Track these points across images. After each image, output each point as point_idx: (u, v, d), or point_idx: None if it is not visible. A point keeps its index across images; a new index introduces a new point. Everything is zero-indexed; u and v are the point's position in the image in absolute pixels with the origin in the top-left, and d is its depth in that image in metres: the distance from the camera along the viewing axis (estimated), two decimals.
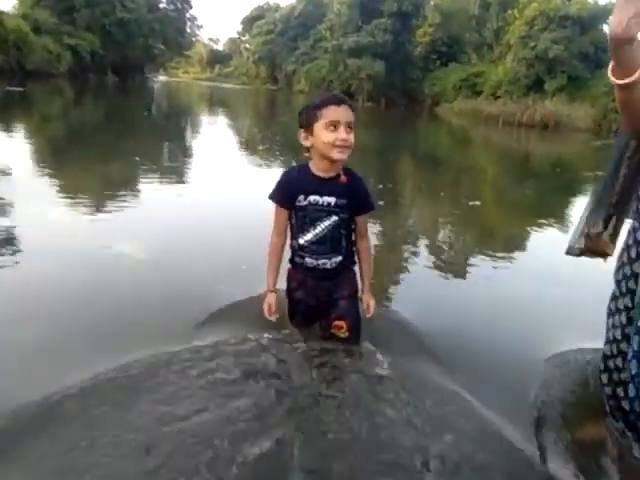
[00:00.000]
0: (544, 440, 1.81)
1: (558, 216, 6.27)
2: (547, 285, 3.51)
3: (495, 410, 1.90)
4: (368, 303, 2.09)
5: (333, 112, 1.82)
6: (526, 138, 20.44)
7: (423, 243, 4.58)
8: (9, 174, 5.67)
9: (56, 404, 1.69)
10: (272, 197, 2.02)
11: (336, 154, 1.83)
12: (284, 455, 1.48)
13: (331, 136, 1.80)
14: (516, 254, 4.49)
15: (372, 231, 4.33)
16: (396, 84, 40.03)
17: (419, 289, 3.37)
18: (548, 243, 4.88)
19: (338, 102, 1.84)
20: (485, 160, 12.83)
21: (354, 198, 1.95)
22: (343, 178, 1.92)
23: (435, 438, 1.61)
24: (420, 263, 3.94)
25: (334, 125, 1.81)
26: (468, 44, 39.08)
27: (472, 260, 4.13)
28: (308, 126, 1.86)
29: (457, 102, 32.40)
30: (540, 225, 5.57)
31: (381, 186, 6.82)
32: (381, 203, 5.55)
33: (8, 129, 9.60)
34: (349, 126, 1.83)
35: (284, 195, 1.98)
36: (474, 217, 5.91)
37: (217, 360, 1.89)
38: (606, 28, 29.14)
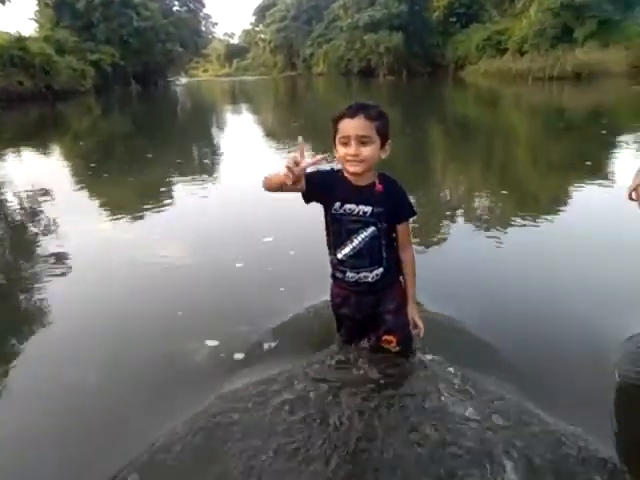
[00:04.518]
0: (623, 438, 1.75)
1: (607, 175, 5.93)
2: (609, 253, 3.34)
3: (570, 402, 1.85)
4: (413, 319, 2.01)
5: (344, 126, 1.77)
6: (559, 91, 19.59)
7: (462, 227, 4.33)
8: (50, 192, 5.94)
9: None
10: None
11: (349, 168, 1.80)
12: None
13: (342, 151, 1.79)
14: (575, 222, 4.21)
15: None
16: (417, 53, 39.11)
17: (466, 281, 3.14)
18: (607, 206, 4.57)
19: (352, 114, 1.76)
20: (518, 121, 12.43)
21: (392, 206, 1.87)
22: (379, 187, 1.85)
23: (508, 432, 1.62)
24: (462, 245, 3.78)
25: (345, 140, 1.78)
26: (488, 1, 37.56)
27: (517, 237, 3.92)
28: (333, 139, 1.84)
29: (482, 63, 31.42)
30: (589, 186, 5.34)
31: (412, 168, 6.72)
32: (415, 197, 5.45)
33: (45, 149, 10.03)
34: (361, 140, 1.76)
35: (314, 180, 1.82)
36: (516, 187, 5.75)
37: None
38: None
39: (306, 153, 1.68)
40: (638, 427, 1.82)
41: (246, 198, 5.21)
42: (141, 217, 4.83)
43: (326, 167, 1.97)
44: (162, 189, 5.95)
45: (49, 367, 2.40)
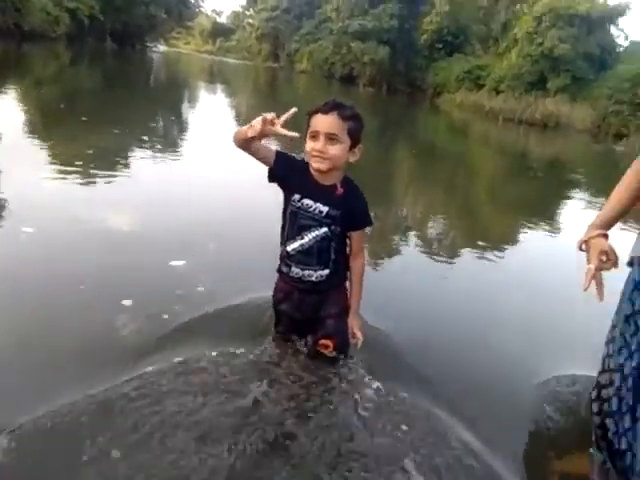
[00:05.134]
0: (528, 472, 1.81)
1: (556, 224, 6.21)
2: (546, 300, 3.47)
3: (480, 438, 1.87)
4: (353, 329, 2.00)
5: (316, 121, 1.76)
6: (525, 137, 20.37)
7: (408, 255, 4.26)
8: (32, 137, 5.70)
9: None
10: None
11: (314, 163, 1.79)
12: None
13: (309, 145, 1.78)
14: (514, 264, 4.37)
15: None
16: (399, 71, 39.64)
17: (401, 298, 3.18)
18: (551, 252, 4.85)
19: (326, 110, 1.76)
20: (485, 160, 12.81)
21: (349, 211, 1.86)
22: (340, 190, 1.85)
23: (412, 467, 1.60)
24: (406, 270, 3.83)
25: (314, 135, 1.77)
26: (474, 35, 38.65)
27: (462, 268, 4.05)
28: (305, 132, 1.82)
29: (459, 94, 32.20)
30: (542, 232, 5.55)
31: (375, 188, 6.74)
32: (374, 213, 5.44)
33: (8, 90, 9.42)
34: (330, 137, 1.74)
35: (283, 161, 1.86)
36: (467, 223, 5.91)
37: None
38: (614, 29, 29.06)
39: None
40: (543, 460, 1.90)
41: (176, 196, 4.52)
42: (88, 178, 4.56)
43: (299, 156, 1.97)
44: (119, 154, 5.61)
45: None
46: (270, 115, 1.67)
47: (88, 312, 2.39)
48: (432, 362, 2.38)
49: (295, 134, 1.69)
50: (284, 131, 1.68)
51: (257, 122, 1.67)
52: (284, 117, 1.70)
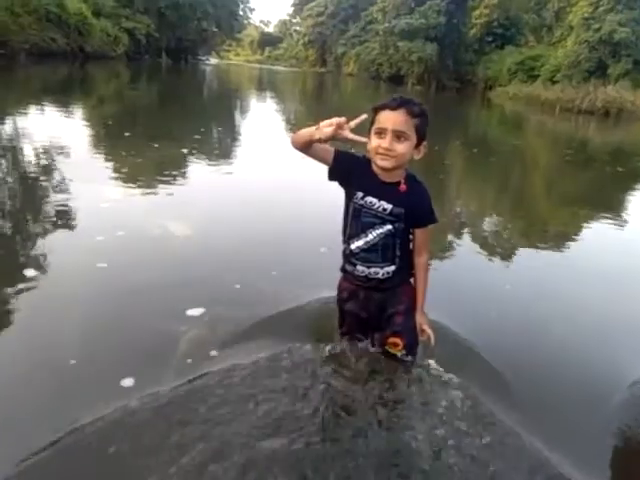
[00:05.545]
0: None
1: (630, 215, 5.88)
2: (627, 296, 3.27)
3: (566, 448, 1.76)
4: (421, 326, 1.93)
5: (383, 118, 1.69)
6: (587, 126, 19.42)
7: (474, 250, 4.12)
8: (68, 153, 5.86)
9: None
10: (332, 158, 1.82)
11: (378, 161, 1.73)
12: None
13: (376, 142, 1.71)
14: (589, 256, 4.14)
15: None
16: (448, 67, 39.00)
17: (470, 296, 3.04)
18: (621, 246, 4.60)
19: (395, 107, 1.68)
20: (547, 152, 12.37)
21: (413, 209, 1.80)
22: (403, 186, 1.78)
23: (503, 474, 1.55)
24: (473, 267, 3.67)
25: (380, 132, 1.70)
26: (526, 26, 37.47)
27: (532, 265, 3.81)
28: (369, 129, 1.76)
29: (512, 86, 31.27)
30: (610, 224, 5.29)
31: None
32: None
33: (67, 108, 9.97)
34: (398, 135, 1.68)
35: (343, 159, 1.81)
36: (533, 215, 5.75)
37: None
38: None
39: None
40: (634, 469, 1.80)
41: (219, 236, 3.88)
42: (154, 188, 4.78)
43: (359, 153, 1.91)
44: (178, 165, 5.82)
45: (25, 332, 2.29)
46: (342, 120, 1.63)
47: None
48: (508, 363, 2.27)
49: (364, 139, 1.68)
50: (353, 136, 1.64)
51: (326, 125, 1.64)
52: (354, 122, 1.65)
